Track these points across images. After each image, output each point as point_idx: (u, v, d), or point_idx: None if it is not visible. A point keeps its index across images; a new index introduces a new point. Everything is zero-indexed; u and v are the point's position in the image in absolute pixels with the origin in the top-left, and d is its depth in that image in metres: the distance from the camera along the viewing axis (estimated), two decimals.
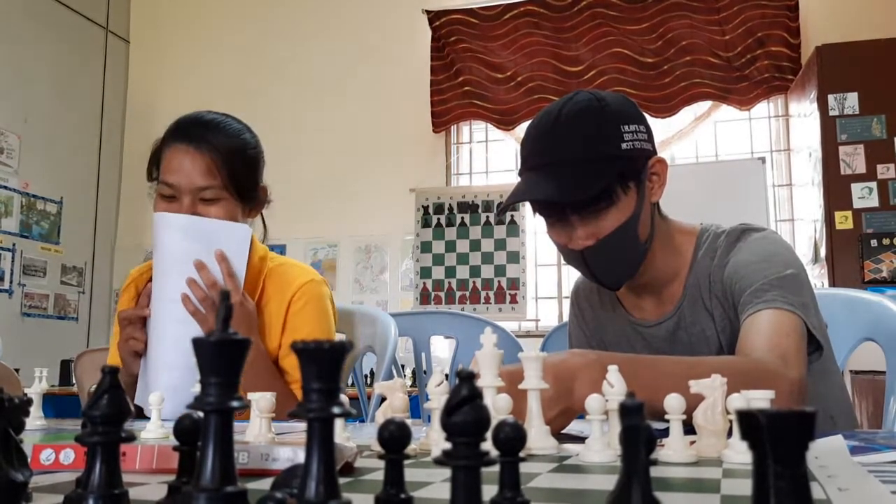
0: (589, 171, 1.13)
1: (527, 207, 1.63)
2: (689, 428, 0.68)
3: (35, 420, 1.07)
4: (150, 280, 1.42)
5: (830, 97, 4.01)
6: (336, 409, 0.32)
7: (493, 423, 0.35)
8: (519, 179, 1.21)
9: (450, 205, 5.13)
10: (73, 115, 5.55)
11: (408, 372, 3.70)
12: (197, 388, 0.35)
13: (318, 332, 1.44)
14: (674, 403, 0.67)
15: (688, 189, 3.79)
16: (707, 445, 0.69)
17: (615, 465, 0.64)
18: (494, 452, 0.35)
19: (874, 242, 3.84)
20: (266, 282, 1.48)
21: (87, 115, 5.69)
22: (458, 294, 5.03)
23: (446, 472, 0.36)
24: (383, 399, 0.79)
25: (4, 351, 3.54)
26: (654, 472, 0.36)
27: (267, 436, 0.79)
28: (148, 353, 1.35)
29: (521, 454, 0.37)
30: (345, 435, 0.72)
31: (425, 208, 5.16)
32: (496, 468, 0.36)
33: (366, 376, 3.03)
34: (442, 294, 5.05)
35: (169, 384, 1.23)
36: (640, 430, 0.33)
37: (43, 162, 5.29)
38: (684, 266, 1.27)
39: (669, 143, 4.89)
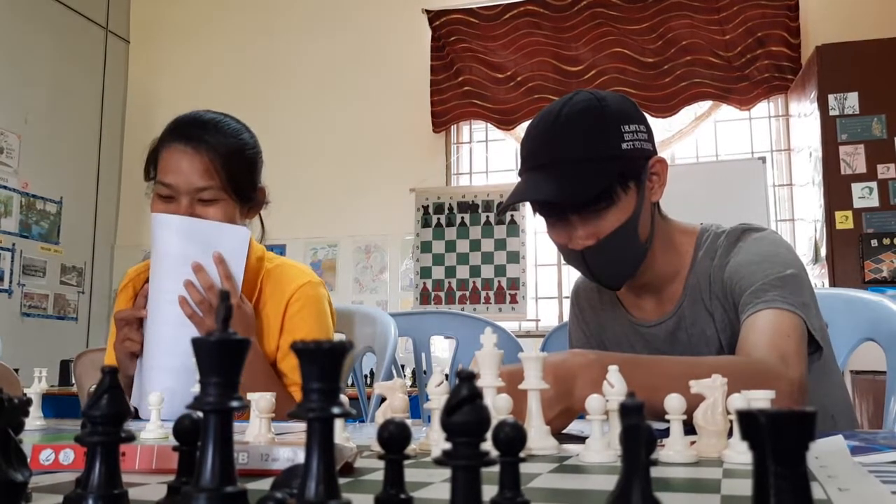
0: (589, 170, 1.13)
1: (527, 207, 1.63)
2: (689, 428, 0.68)
3: (34, 420, 1.07)
4: (146, 281, 1.42)
5: (830, 97, 4.01)
6: (336, 410, 0.32)
7: (493, 423, 0.35)
8: (519, 179, 1.20)
9: (450, 205, 5.13)
10: (73, 115, 5.55)
11: (408, 372, 3.70)
12: (196, 389, 0.35)
13: (316, 334, 1.44)
14: (674, 403, 0.67)
15: (688, 189, 3.78)
16: (707, 445, 0.69)
17: (615, 465, 0.64)
18: (494, 452, 0.35)
19: (874, 242, 3.84)
20: (263, 283, 1.47)
21: (87, 115, 5.69)
22: (458, 294, 5.03)
23: (446, 472, 0.36)
24: (383, 399, 0.79)
25: (4, 351, 3.54)
26: (655, 472, 0.36)
27: (267, 436, 0.79)
28: (144, 355, 1.34)
29: (521, 454, 0.37)
30: (345, 435, 0.72)
31: (425, 208, 5.16)
32: (496, 468, 0.36)
33: (366, 376, 3.03)
34: (442, 294, 5.05)
35: (165, 386, 1.23)
36: (640, 430, 0.33)
37: (43, 162, 5.29)
38: (684, 266, 1.27)
39: (669, 143, 4.90)
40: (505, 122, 5.08)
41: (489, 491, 0.35)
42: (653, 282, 1.28)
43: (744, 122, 4.97)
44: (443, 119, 5.22)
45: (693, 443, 0.69)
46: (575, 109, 1.15)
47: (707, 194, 4.21)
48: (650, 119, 1.33)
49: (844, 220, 3.90)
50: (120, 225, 5.85)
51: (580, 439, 0.77)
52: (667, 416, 0.68)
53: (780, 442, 0.28)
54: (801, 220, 4.63)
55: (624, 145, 1.14)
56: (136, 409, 1.30)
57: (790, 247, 1.24)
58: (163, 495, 0.43)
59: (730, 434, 0.69)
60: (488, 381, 0.71)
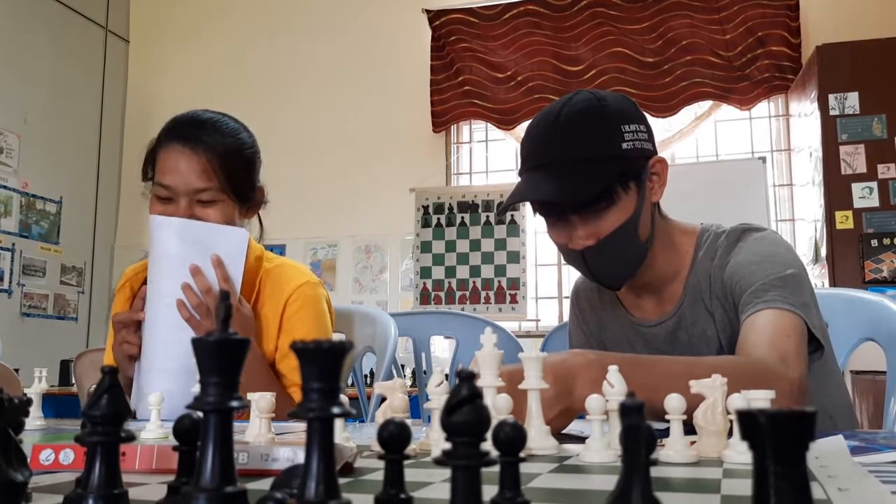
0: (589, 170, 1.13)
1: (527, 207, 1.62)
2: (689, 428, 0.68)
3: (35, 420, 1.07)
4: (144, 281, 1.41)
5: (831, 97, 4.01)
6: (336, 409, 0.32)
7: (493, 423, 0.35)
8: (519, 179, 1.20)
9: (450, 205, 5.13)
10: (72, 115, 5.55)
11: (408, 372, 3.70)
12: (196, 389, 0.35)
13: (315, 334, 1.43)
14: (674, 403, 0.67)
15: (688, 189, 3.79)
16: (707, 445, 0.69)
17: (615, 465, 0.64)
18: (494, 452, 0.35)
19: (874, 242, 3.84)
20: (262, 283, 1.47)
21: (86, 115, 5.69)
22: (458, 294, 5.03)
23: (446, 472, 0.36)
24: (383, 399, 0.79)
25: (4, 351, 3.54)
26: (655, 472, 0.36)
27: (267, 436, 0.79)
28: (142, 357, 1.34)
29: (521, 454, 0.37)
30: (345, 435, 0.72)
31: (425, 208, 5.16)
32: (496, 468, 0.36)
33: (366, 376, 3.03)
34: (442, 294, 5.05)
35: (162, 389, 1.22)
36: (640, 430, 0.33)
37: (42, 162, 5.29)
38: (684, 266, 1.27)
39: (670, 143, 4.90)
40: (505, 122, 5.08)
41: (489, 491, 0.35)
42: (653, 282, 1.28)
43: (744, 121, 4.97)
44: (443, 119, 5.22)
45: (693, 443, 0.69)
46: (575, 109, 1.15)
47: (707, 194, 4.21)
48: (650, 119, 1.32)
49: (844, 220, 3.90)
50: (120, 225, 5.85)
51: (580, 439, 0.77)
52: (667, 416, 0.68)
53: (780, 442, 0.28)
54: (801, 220, 4.63)
55: (624, 145, 1.14)
56: (134, 411, 1.30)
57: (790, 247, 1.24)
58: (163, 495, 0.43)
59: (730, 434, 0.69)
60: (488, 381, 0.71)
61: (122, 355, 1.34)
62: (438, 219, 5.14)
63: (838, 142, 3.98)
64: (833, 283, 3.83)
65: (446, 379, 0.76)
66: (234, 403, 0.34)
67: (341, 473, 0.56)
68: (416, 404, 2.73)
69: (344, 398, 0.36)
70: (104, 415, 0.40)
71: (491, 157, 5.41)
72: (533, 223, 4.95)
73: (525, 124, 3.25)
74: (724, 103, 4.80)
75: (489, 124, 5.21)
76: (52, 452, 0.63)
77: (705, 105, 4.87)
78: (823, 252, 3.99)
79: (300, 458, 0.46)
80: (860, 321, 1.45)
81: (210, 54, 5.81)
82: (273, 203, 1.52)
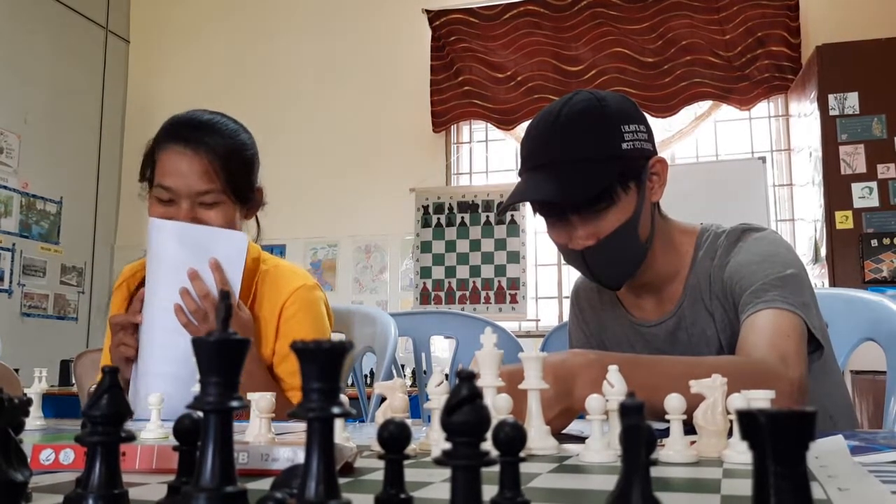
0: (589, 171, 1.13)
1: (527, 207, 1.63)
2: (689, 428, 0.68)
3: (35, 420, 1.07)
4: (141, 282, 1.41)
5: (831, 97, 4.01)
6: (336, 409, 0.32)
7: (493, 423, 0.35)
8: (519, 179, 1.20)
9: (450, 205, 5.13)
10: (72, 115, 5.55)
11: (408, 372, 3.70)
12: (197, 388, 0.35)
13: (312, 337, 1.42)
14: (674, 403, 0.67)
15: (688, 189, 3.79)
16: (707, 445, 0.69)
17: (615, 465, 0.64)
18: (494, 452, 0.35)
19: (874, 242, 3.84)
20: (259, 286, 1.46)
21: (86, 115, 5.69)
22: (458, 294, 5.03)
23: (446, 472, 0.36)
24: (383, 399, 0.79)
25: (4, 351, 3.54)
26: (655, 472, 0.36)
27: (267, 436, 0.79)
28: (139, 360, 1.33)
29: (521, 454, 0.37)
30: (345, 435, 0.72)
31: (425, 208, 5.16)
32: (496, 468, 0.36)
33: (366, 376, 3.03)
34: (442, 294, 5.05)
35: (157, 391, 1.22)
36: (640, 430, 0.33)
37: (42, 162, 5.29)
38: (684, 266, 1.27)
39: (670, 143, 4.90)
40: (505, 122, 5.08)
41: (489, 491, 0.35)
42: (653, 282, 1.28)
43: (744, 122, 4.97)
44: (443, 119, 5.22)
45: (693, 443, 0.69)
46: (575, 109, 1.15)
47: (707, 194, 4.21)
48: (650, 119, 1.32)
49: (844, 220, 3.90)
50: (120, 225, 5.85)
51: (580, 439, 0.77)
52: (667, 416, 0.68)
53: (780, 442, 0.28)
54: (801, 220, 4.63)
55: (624, 145, 1.14)
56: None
57: (790, 247, 1.24)
58: (163, 495, 0.43)
59: (730, 434, 0.69)
60: (488, 381, 0.71)
61: (119, 357, 1.33)
62: (438, 219, 5.14)
63: (838, 142, 3.98)
64: (833, 283, 3.83)
65: (446, 379, 0.76)
66: (234, 403, 0.34)
67: (341, 473, 0.56)
68: (416, 404, 2.73)
69: (344, 398, 0.36)
70: (104, 415, 0.40)
71: (491, 157, 5.41)
72: (533, 223, 4.95)
73: (525, 124, 3.25)
74: (724, 103, 4.80)
75: (489, 124, 5.21)
76: (52, 452, 0.63)
77: (705, 105, 4.87)
78: (823, 252, 3.99)
79: (300, 458, 0.46)
80: (860, 321, 1.45)
81: (210, 54, 5.81)
82: (273, 203, 1.51)
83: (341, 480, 0.34)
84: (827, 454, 0.65)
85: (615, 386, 0.70)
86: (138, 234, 5.53)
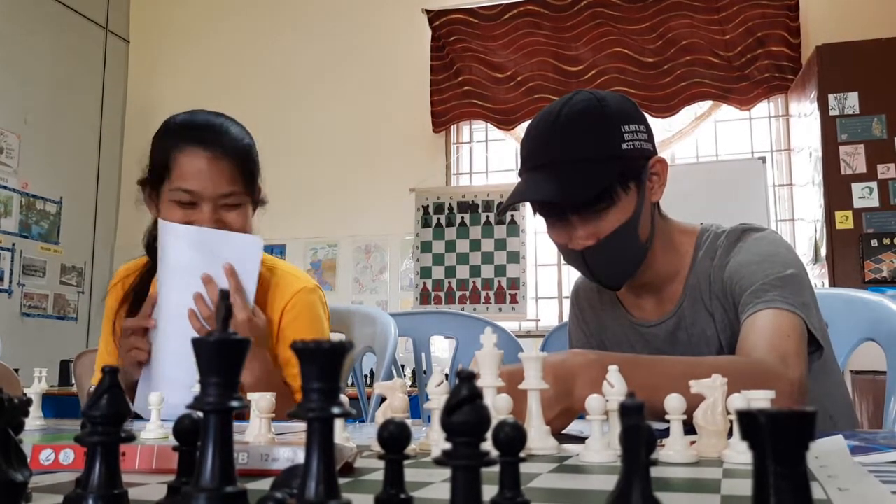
0: (589, 171, 1.13)
1: (527, 207, 1.63)
2: (689, 428, 0.68)
3: (34, 420, 1.07)
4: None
5: (831, 97, 4.01)
6: (336, 409, 0.32)
7: (493, 423, 0.35)
8: (519, 179, 1.20)
9: (450, 205, 5.13)
10: (72, 115, 5.55)
11: (408, 372, 3.70)
12: (196, 389, 0.35)
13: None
14: (674, 403, 0.67)
15: (688, 189, 3.79)
16: (707, 445, 0.69)
17: (615, 465, 0.64)
18: (494, 452, 0.35)
19: (874, 242, 3.84)
20: (259, 289, 1.46)
21: (86, 114, 5.69)
22: (458, 294, 5.03)
23: (446, 472, 0.36)
24: (383, 399, 0.79)
25: (4, 351, 3.54)
26: (655, 472, 0.36)
27: (267, 436, 0.79)
28: (150, 365, 1.32)
29: (521, 454, 0.37)
30: (345, 435, 0.72)
31: (425, 208, 5.16)
32: (496, 468, 0.36)
33: (366, 376, 3.03)
34: (442, 294, 5.05)
35: (171, 401, 1.21)
36: (640, 430, 0.33)
37: (42, 162, 5.29)
38: (684, 266, 1.27)
39: (670, 143, 4.90)
40: (505, 122, 5.08)
41: (489, 491, 0.35)
42: (653, 282, 1.28)
43: (744, 122, 4.97)
44: (443, 119, 5.22)
45: (693, 443, 0.69)
46: (575, 109, 1.15)
47: (707, 194, 4.21)
48: (650, 119, 1.32)
49: (844, 220, 3.90)
50: (120, 225, 5.85)
51: (580, 439, 0.77)
52: (667, 416, 0.68)
53: (780, 442, 0.28)
54: (801, 220, 4.63)
55: (624, 145, 1.14)
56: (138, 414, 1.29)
57: (790, 247, 1.24)
58: (163, 495, 0.43)
59: (730, 434, 0.69)
60: (488, 381, 0.71)
61: (131, 361, 1.32)
62: (438, 219, 5.14)
63: (838, 142, 3.98)
64: (833, 283, 3.82)
65: (446, 379, 0.76)
66: (234, 403, 0.34)
67: (341, 473, 0.56)
68: (416, 404, 2.73)
69: (344, 398, 0.36)
70: (104, 415, 0.40)
71: (491, 157, 5.41)
72: (533, 223, 4.95)
73: (525, 124, 3.25)
74: (724, 103, 4.80)
75: (489, 124, 5.21)
76: (52, 452, 0.63)
77: (705, 105, 4.87)
78: (823, 252, 3.99)
79: (300, 458, 0.46)
80: (860, 321, 1.45)
81: (210, 54, 5.81)
82: (273, 203, 1.51)
83: (341, 480, 0.34)
84: (827, 454, 0.65)
85: (615, 386, 0.70)
86: (138, 234, 5.48)
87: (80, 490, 0.40)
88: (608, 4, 5.03)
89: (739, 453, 0.64)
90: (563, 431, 0.92)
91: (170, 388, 1.25)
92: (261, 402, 0.80)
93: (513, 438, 0.36)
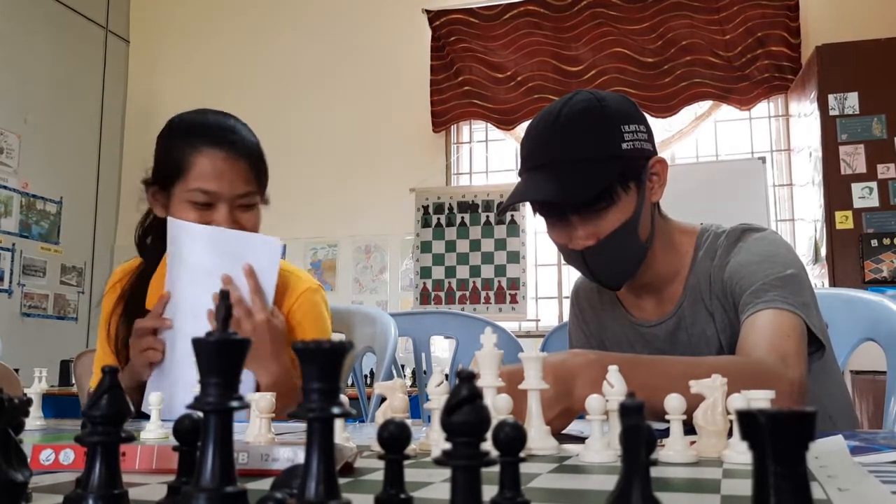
0: (589, 171, 1.13)
1: (527, 207, 1.62)
2: (689, 428, 0.68)
3: (35, 420, 1.07)
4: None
5: (830, 97, 4.01)
6: (336, 410, 0.32)
7: (493, 423, 0.35)
8: (519, 179, 1.20)
9: (450, 205, 5.13)
10: (72, 115, 5.55)
11: (408, 372, 3.70)
12: (197, 389, 0.35)
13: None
14: (674, 403, 0.67)
15: (688, 189, 3.79)
16: (707, 445, 0.69)
17: (615, 465, 0.64)
18: (494, 452, 0.35)
19: (874, 242, 3.84)
20: None
21: (87, 115, 5.69)
22: (458, 294, 5.03)
23: (446, 472, 0.36)
24: (383, 399, 0.79)
25: (4, 351, 3.54)
26: (655, 472, 0.36)
27: (267, 436, 0.79)
28: (164, 367, 1.30)
29: (521, 454, 0.37)
30: (345, 435, 0.72)
31: (425, 208, 5.16)
32: (496, 468, 0.36)
33: (366, 376, 3.03)
34: (442, 294, 5.05)
35: (183, 402, 1.20)
36: (640, 430, 0.33)
37: (43, 162, 5.29)
38: (684, 266, 1.27)
39: (670, 143, 4.90)
40: (505, 122, 5.08)
41: (489, 491, 0.35)
42: (653, 282, 1.28)
43: (744, 122, 4.97)
44: (443, 119, 5.22)
45: (693, 443, 0.69)
46: (575, 109, 1.15)
47: (707, 194, 4.21)
48: (650, 119, 1.32)
49: (844, 220, 3.90)
50: (120, 225, 5.85)
51: (580, 439, 0.77)
52: (667, 416, 0.68)
53: (780, 442, 0.28)
54: (801, 220, 4.63)
55: (624, 145, 1.14)
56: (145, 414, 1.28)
57: (790, 247, 1.24)
58: (163, 495, 0.43)
59: (730, 434, 0.69)
60: (488, 381, 0.71)
61: (144, 361, 1.30)
62: (438, 219, 5.14)
63: (838, 142, 3.98)
64: (833, 283, 3.82)
65: (446, 379, 0.76)
66: (234, 403, 0.34)
67: (341, 473, 0.56)
68: (416, 404, 2.73)
69: (344, 398, 0.36)
70: (104, 415, 0.40)
71: (491, 157, 5.41)
72: (533, 223, 4.95)
73: (525, 124, 3.25)
74: (724, 103, 4.80)
75: (489, 124, 5.21)
76: (52, 452, 0.63)
77: (705, 105, 4.87)
78: (823, 252, 3.99)
79: (300, 458, 0.46)
80: (860, 321, 1.45)
81: (210, 54, 5.81)
82: (273, 203, 1.50)
83: (341, 480, 0.34)
84: (827, 454, 0.65)
85: (615, 386, 0.70)
86: None
87: (80, 490, 0.40)
88: (608, 4, 5.03)
89: (739, 453, 0.64)
90: (563, 431, 0.92)
91: (183, 388, 1.25)
92: (261, 402, 0.80)
93: (513, 438, 0.36)
